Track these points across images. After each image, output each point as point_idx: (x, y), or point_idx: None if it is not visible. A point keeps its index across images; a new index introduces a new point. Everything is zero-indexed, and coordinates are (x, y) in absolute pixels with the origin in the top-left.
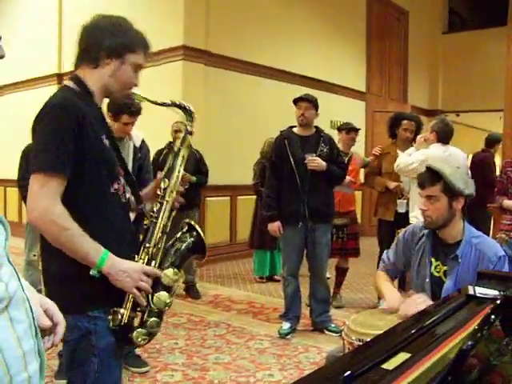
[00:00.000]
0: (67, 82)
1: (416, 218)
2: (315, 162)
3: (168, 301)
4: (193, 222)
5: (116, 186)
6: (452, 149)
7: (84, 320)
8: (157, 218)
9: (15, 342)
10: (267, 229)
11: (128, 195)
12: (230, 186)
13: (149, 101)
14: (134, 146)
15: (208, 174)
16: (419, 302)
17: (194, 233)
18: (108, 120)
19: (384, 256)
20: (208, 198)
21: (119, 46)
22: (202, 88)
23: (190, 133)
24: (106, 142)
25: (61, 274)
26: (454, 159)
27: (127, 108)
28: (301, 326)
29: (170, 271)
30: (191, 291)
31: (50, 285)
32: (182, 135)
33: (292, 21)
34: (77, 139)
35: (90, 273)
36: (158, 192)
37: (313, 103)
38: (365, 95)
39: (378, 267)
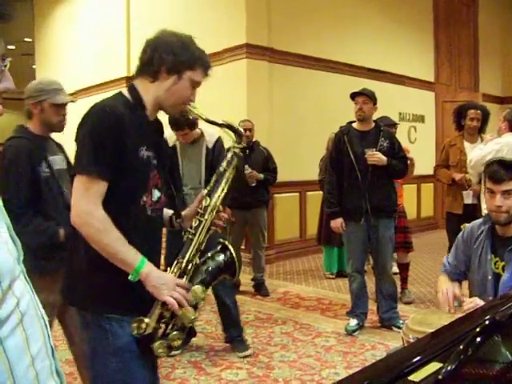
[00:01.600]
0: (123, 90)
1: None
2: (375, 156)
3: (193, 317)
4: (227, 242)
5: (145, 199)
6: None
7: (101, 319)
8: (193, 234)
9: (28, 360)
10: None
11: (155, 208)
12: (298, 181)
13: (202, 118)
14: (207, 148)
15: (276, 171)
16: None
17: (228, 253)
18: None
19: (444, 260)
20: (277, 195)
21: (179, 63)
22: (267, 85)
23: (237, 155)
24: (144, 153)
25: (88, 272)
26: None
27: (185, 121)
28: (368, 322)
29: (198, 288)
30: (260, 289)
31: (74, 278)
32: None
33: (355, 12)
34: (115, 146)
35: (129, 277)
36: (199, 209)
37: (370, 97)
38: (434, 85)
39: None
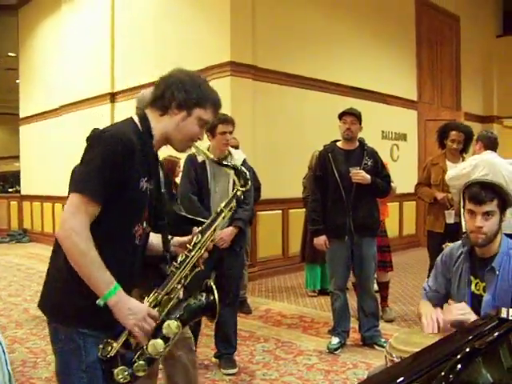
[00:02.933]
0: (134, 116)
1: None
2: (359, 174)
3: (161, 350)
4: (213, 284)
5: (136, 228)
6: (500, 159)
7: (75, 334)
8: (177, 268)
9: None
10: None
11: (142, 237)
12: (281, 199)
13: (209, 157)
14: None
15: (260, 190)
16: (460, 311)
17: (211, 297)
18: (208, 143)
19: (425, 285)
20: (260, 212)
21: (189, 100)
22: (250, 102)
23: (239, 197)
24: (145, 184)
25: (65, 285)
26: (504, 165)
27: (218, 118)
28: (350, 340)
29: (173, 323)
30: (242, 306)
31: (51, 291)
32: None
33: (339, 31)
34: (119, 174)
35: (97, 302)
36: (188, 245)
37: (358, 117)
38: (416, 104)
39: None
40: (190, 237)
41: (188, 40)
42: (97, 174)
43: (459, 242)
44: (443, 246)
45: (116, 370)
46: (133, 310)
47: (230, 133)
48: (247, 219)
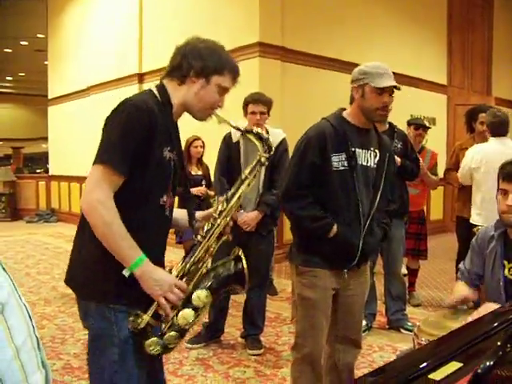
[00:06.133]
0: (153, 88)
1: (474, 221)
2: None
3: (191, 320)
4: (241, 252)
5: (165, 199)
6: (510, 144)
7: (107, 310)
8: (204, 237)
9: (11, 351)
10: None
11: (171, 209)
12: None
13: (230, 124)
14: None
15: None
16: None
17: (240, 263)
18: (244, 119)
19: (461, 266)
20: None
21: (207, 68)
22: (279, 84)
23: (262, 164)
24: (168, 154)
25: (92, 261)
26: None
27: (250, 97)
28: (376, 324)
29: (202, 292)
30: (269, 288)
31: (78, 267)
32: None
33: (369, 14)
34: (141, 145)
35: (123, 272)
36: (214, 214)
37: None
38: (446, 88)
39: (456, 265)
40: (212, 209)
41: (216, 20)
42: (119, 144)
43: (492, 223)
44: (474, 229)
45: (147, 342)
46: (159, 280)
47: (263, 113)
48: (275, 204)
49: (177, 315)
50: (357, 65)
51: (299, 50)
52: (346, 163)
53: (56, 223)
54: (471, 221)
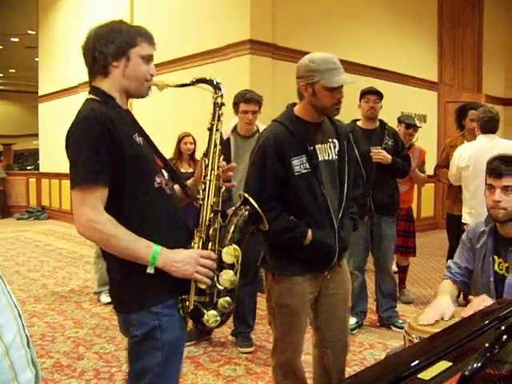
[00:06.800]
0: (88, 96)
1: (465, 220)
2: (380, 154)
3: (233, 278)
4: (246, 195)
5: (158, 180)
6: (498, 141)
7: (148, 316)
8: (203, 199)
9: (1, 350)
10: None
11: (171, 186)
12: None
13: (171, 86)
14: None
15: None
16: (483, 302)
17: (249, 204)
18: (235, 118)
19: (450, 263)
20: None
21: (120, 47)
22: (270, 81)
23: (220, 105)
24: (139, 139)
25: (119, 275)
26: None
27: (241, 96)
28: (367, 321)
29: (229, 248)
30: (259, 285)
31: (112, 286)
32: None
33: (360, 11)
34: (110, 145)
35: (147, 270)
36: (202, 172)
37: (380, 96)
38: (437, 85)
39: (447, 261)
40: (198, 170)
41: (208, 18)
42: (87, 159)
43: (482, 220)
44: (464, 226)
45: (204, 318)
46: (183, 260)
47: (254, 112)
48: None
49: (218, 281)
50: (347, 62)
51: (290, 47)
52: (307, 165)
53: (47, 220)
54: (463, 220)
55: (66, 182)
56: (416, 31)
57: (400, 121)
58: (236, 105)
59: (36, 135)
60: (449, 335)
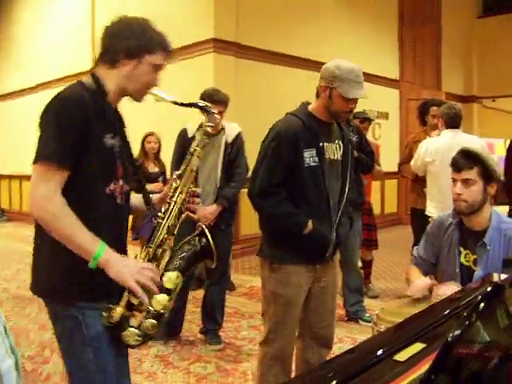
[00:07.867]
0: (84, 79)
1: (430, 213)
2: None
3: (166, 304)
4: (204, 227)
5: (112, 187)
6: (462, 136)
7: (73, 309)
8: (163, 218)
9: None
10: None
11: (123, 196)
12: None
13: (168, 101)
14: (226, 142)
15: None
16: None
17: (204, 239)
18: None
19: (414, 252)
20: (242, 190)
21: (136, 47)
22: (233, 80)
23: (208, 134)
24: (110, 141)
25: (52, 261)
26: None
27: (208, 97)
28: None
29: (173, 274)
30: (226, 283)
31: (39, 272)
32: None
33: (322, 9)
34: (78, 135)
35: (88, 265)
36: (169, 192)
37: None
38: (398, 83)
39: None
40: (167, 188)
41: (171, 17)
42: (55, 139)
43: (449, 211)
44: (429, 219)
45: (125, 333)
46: (127, 264)
47: (220, 112)
48: (233, 198)
49: (151, 302)
50: (310, 61)
51: (253, 45)
52: (316, 159)
53: (6, 223)
54: (427, 212)
55: (26, 184)
56: (378, 29)
57: (355, 116)
58: None
59: None
60: (419, 321)
